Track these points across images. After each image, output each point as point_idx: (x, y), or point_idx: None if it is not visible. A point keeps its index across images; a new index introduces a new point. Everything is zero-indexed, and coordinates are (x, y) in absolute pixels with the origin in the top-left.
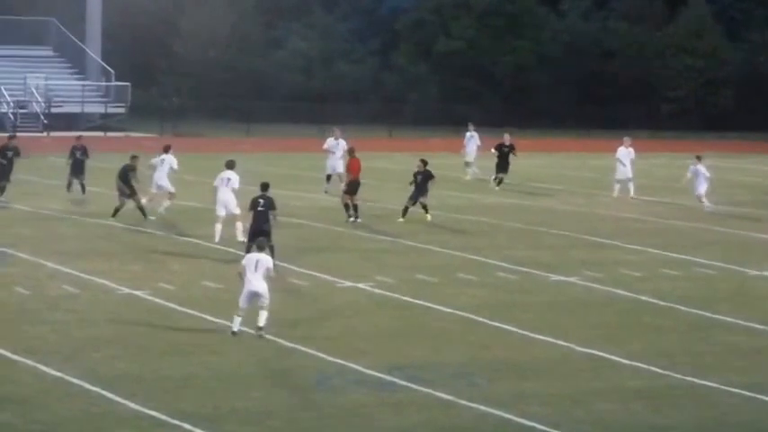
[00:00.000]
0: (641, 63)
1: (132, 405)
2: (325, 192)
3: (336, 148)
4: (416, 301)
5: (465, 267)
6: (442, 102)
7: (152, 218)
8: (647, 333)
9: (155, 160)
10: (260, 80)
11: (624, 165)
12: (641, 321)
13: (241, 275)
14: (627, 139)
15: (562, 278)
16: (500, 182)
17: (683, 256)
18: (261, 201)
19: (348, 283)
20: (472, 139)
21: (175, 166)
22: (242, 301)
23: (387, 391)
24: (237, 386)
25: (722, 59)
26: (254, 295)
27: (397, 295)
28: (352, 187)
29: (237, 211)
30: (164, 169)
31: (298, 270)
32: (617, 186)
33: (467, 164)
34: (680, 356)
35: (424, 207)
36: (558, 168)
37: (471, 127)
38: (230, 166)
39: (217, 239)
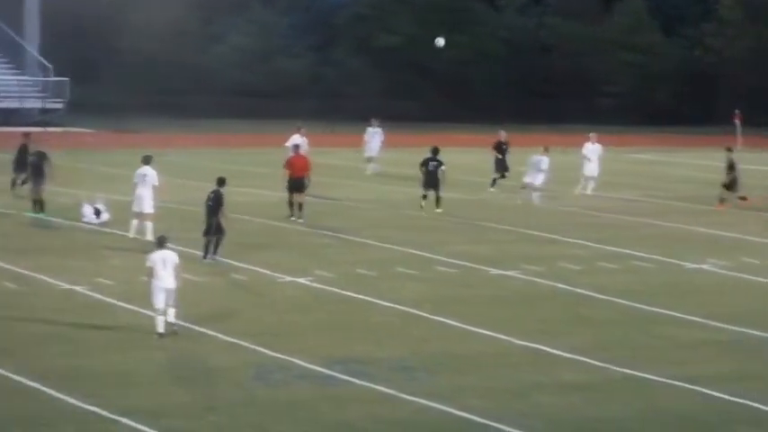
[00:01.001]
0: (579, 58)
1: (73, 401)
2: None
3: (303, 144)
4: (357, 296)
5: (405, 262)
6: (381, 97)
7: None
8: (586, 326)
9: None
10: (200, 75)
11: (590, 161)
12: (580, 315)
13: (150, 275)
14: (593, 135)
15: (502, 272)
16: (494, 182)
17: (623, 250)
18: (211, 195)
19: (288, 278)
20: (376, 135)
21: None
22: (156, 301)
23: (327, 385)
24: (179, 381)
25: (659, 55)
26: (166, 292)
27: (337, 290)
28: (296, 185)
29: (151, 210)
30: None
31: (239, 265)
32: (583, 183)
33: (369, 159)
34: (618, 349)
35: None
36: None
37: (375, 123)
38: (146, 161)
39: (131, 235)
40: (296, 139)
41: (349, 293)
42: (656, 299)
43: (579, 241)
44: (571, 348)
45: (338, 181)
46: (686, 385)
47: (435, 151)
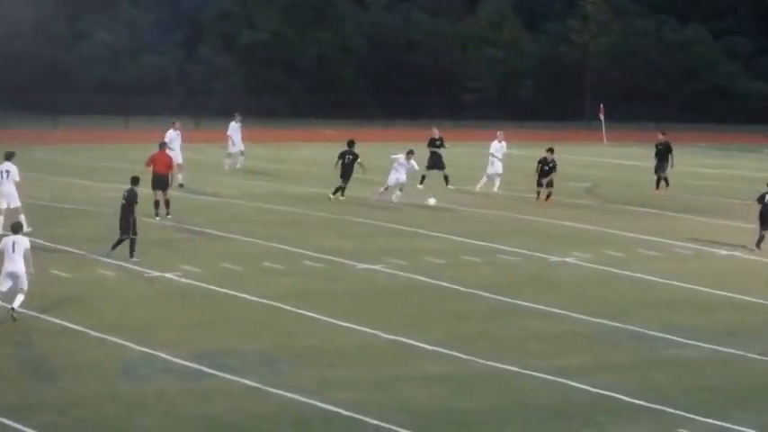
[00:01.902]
0: (443, 54)
1: None
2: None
3: (176, 140)
4: (222, 290)
5: (271, 256)
6: (247, 93)
7: None
8: (449, 319)
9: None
10: (66, 73)
11: (499, 159)
12: (444, 308)
13: None
14: (500, 134)
15: (367, 266)
16: (423, 179)
17: (486, 244)
18: (125, 194)
19: (155, 273)
20: (238, 130)
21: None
22: (2, 285)
23: (193, 379)
24: (44, 376)
25: (522, 50)
26: (13, 276)
27: (202, 284)
28: (160, 182)
29: (18, 203)
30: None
31: (105, 260)
32: (484, 180)
33: (229, 155)
34: (481, 341)
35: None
36: (363, 157)
37: (238, 117)
38: (8, 157)
39: (1, 231)
40: (171, 134)
41: (215, 288)
42: (520, 292)
43: (443, 235)
44: (435, 341)
45: (204, 176)
46: (549, 377)
47: (351, 144)
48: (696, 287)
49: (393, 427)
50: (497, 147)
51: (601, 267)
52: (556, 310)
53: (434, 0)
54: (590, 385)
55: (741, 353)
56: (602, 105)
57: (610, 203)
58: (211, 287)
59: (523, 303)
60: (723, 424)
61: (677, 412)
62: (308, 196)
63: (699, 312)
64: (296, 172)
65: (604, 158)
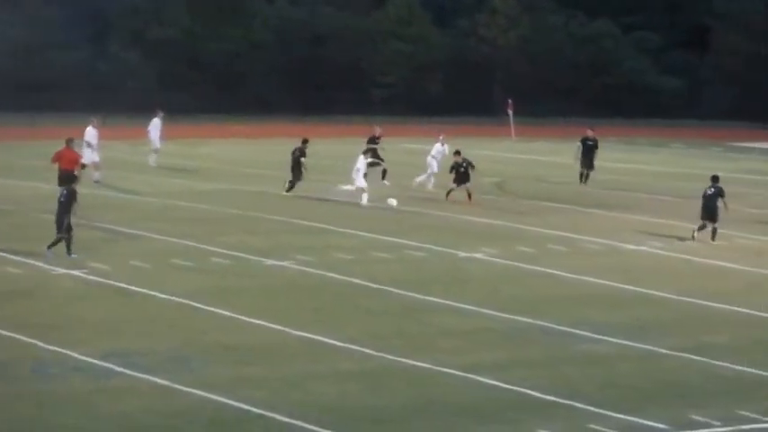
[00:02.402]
0: (352, 49)
1: None
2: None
3: (94, 138)
4: (132, 288)
5: (180, 253)
6: (156, 89)
7: None
8: (360, 316)
9: None
10: None
11: (436, 159)
12: (355, 304)
13: None
14: (442, 137)
15: (276, 262)
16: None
17: (396, 240)
18: (64, 192)
19: (62, 270)
20: (157, 126)
21: None
22: None
23: (103, 377)
24: None
25: (431, 45)
26: None
27: (112, 282)
28: (66, 179)
29: None
30: None
31: (12, 258)
32: (425, 178)
33: (155, 151)
34: (392, 338)
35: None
36: (270, 154)
37: (160, 113)
38: None
39: None
40: (90, 131)
41: (124, 285)
42: (430, 288)
43: (352, 231)
44: (347, 338)
45: (112, 173)
46: (461, 373)
47: (305, 141)
48: (606, 282)
49: (306, 425)
50: (439, 149)
51: (511, 263)
52: (467, 307)
53: None
54: (502, 381)
55: (652, 348)
56: (509, 101)
57: (519, 199)
58: (121, 285)
59: (434, 300)
60: (635, 419)
61: (589, 408)
62: (218, 193)
63: (609, 307)
64: (206, 168)
65: (513, 154)
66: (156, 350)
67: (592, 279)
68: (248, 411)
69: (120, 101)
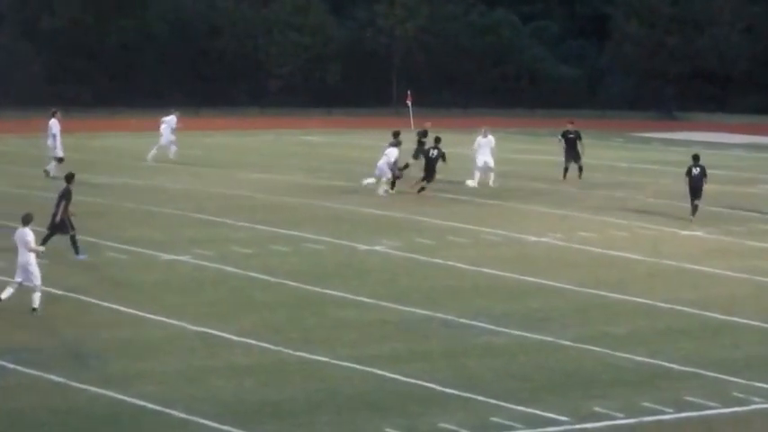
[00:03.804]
0: (248, 40)
1: None
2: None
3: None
4: (25, 283)
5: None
6: (48, 81)
7: None
8: (258, 309)
9: None
10: None
11: (489, 153)
12: (252, 298)
13: None
14: (485, 129)
15: (173, 257)
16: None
17: (293, 232)
18: (61, 190)
19: None
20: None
21: None
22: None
23: None
24: None
25: (328, 36)
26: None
27: (4, 278)
28: None
29: None
30: None
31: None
32: (477, 175)
33: (167, 146)
34: (290, 332)
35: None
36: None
37: (175, 111)
38: None
39: None
40: (52, 123)
41: (19, 281)
42: (329, 281)
43: (249, 224)
44: (243, 332)
45: (2, 167)
46: (360, 366)
47: (437, 140)
48: (506, 274)
49: (202, 420)
50: (483, 141)
51: (411, 255)
52: (366, 299)
53: None
54: (402, 374)
55: (552, 339)
56: (408, 92)
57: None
58: (17, 281)
59: (333, 292)
60: (535, 411)
61: (490, 400)
62: (115, 186)
63: (509, 299)
64: (100, 162)
65: (412, 145)
66: (51, 346)
67: (491, 271)
68: (144, 407)
69: (10, 93)
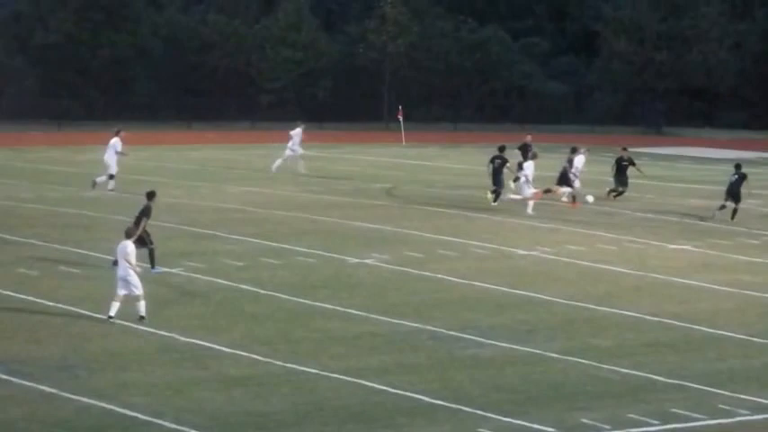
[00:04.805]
0: (240, 55)
1: None
2: None
3: None
4: (17, 295)
5: (66, 260)
6: (41, 95)
7: None
8: (247, 321)
9: None
10: None
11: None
12: (242, 310)
13: None
14: (584, 149)
15: (164, 269)
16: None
17: (283, 245)
18: (142, 208)
19: None
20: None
21: None
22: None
23: None
24: None
25: (320, 51)
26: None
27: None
28: None
29: None
30: None
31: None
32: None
33: (294, 157)
34: (279, 344)
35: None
36: (159, 160)
37: (301, 124)
38: None
39: None
40: (116, 142)
41: (9, 293)
42: (318, 293)
43: (239, 237)
44: (233, 343)
45: None
46: (348, 378)
47: (502, 149)
48: (494, 286)
49: (191, 431)
50: (581, 160)
51: (400, 268)
52: (355, 312)
53: (231, 1)
54: (390, 386)
55: (539, 351)
56: (400, 107)
57: (409, 204)
58: (5, 292)
59: (322, 305)
60: (522, 423)
61: (477, 412)
62: (104, 199)
63: (497, 311)
64: (91, 175)
65: (403, 159)
66: (40, 357)
67: (480, 283)
68: (134, 418)
69: (3, 107)
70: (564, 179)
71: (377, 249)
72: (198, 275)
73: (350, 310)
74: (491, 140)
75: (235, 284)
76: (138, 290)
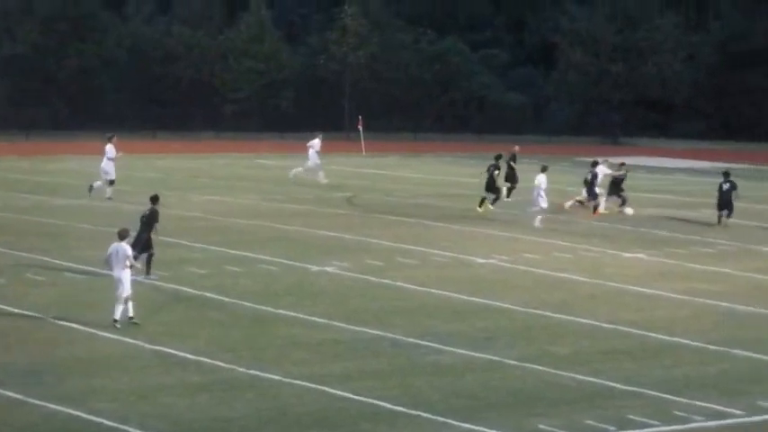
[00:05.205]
0: (204, 66)
1: None
2: None
3: None
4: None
5: (34, 268)
6: (8, 105)
7: None
8: (211, 328)
9: None
10: None
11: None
12: (207, 317)
13: None
14: (605, 161)
15: (158, 277)
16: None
17: (246, 254)
18: (146, 212)
19: None
20: (315, 146)
21: None
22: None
23: None
24: None
25: (281, 63)
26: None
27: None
28: None
29: None
30: None
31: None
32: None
33: (311, 169)
34: (243, 350)
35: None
36: (125, 169)
37: (319, 134)
38: None
39: None
40: (109, 149)
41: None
42: (281, 301)
43: (204, 245)
44: (198, 350)
45: None
46: (310, 384)
47: (498, 157)
48: (453, 294)
49: None
50: (602, 170)
51: (361, 276)
52: (317, 319)
53: (195, 13)
54: (352, 392)
55: (497, 358)
56: (360, 117)
57: (369, 213)
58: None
59: (285, 312)
60: (481, 428)
61: (437, 418)
62: (71, 208)
63: (456, 319)
64: (58, 184)
65: (364, 169)
66: (7, 363)
67: (439, 291)
68: (100, 424)
69: None
70: (591, 192)
71: (338, 257)
72: (162, 283)
73: (312, 318)
74: (450, 150)
75: (199, 292)
76: (127, 291)
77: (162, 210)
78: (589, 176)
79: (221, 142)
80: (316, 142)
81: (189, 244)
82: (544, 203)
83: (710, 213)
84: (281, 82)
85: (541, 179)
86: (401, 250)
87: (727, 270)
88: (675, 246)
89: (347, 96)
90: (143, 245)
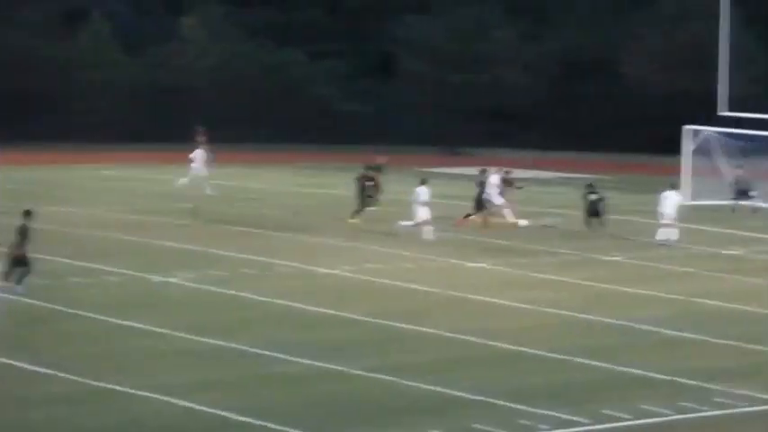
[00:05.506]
0: (43, 77)
1: None
2: None
3: None
4: None
5: None
6: None
7: None
8: (60, 341)
9: None
10: None
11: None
12: (54, 329)
13: None
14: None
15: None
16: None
17: (91, 265)
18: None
19: None
20: None
21: None
22: None
23: None
24: None
25: (122, 73)
26: None
27: None
28: None
29: None
30: None
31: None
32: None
33: None
34: (92, 362)
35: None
36: None
37: None
38: None
39: None
40: None
41: None
42: (126, 312)
43: (47, 257)
44: (46, 363)
45: None
46: (157, 396)
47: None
48: (298, 305)
49: None
50: (495, 179)
51: (205, 287)
52: (162, 330)
53: (32, 22)
54: (199, 403)
55: (344, 368)
56: (199, 128)
57: (213, 224)
58: None
59: (130, 323)
60: None
61: (285, 428)
62: None
63: (302, 329)
64: None
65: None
66: None
67: (283, 302)
68: None
69: None
70: (479, 204)
71: (182, 268)
72: (7, 295)
73: (157, 329)
74: (293, 161)
75: (46, 304)
76: None
77: (7, 221)
78: (478, 189)
79: (67, 154)
80: (198, 153)
81: (35, 255)
82: (425, 215)
83: (553, 221)
84: (122, 93)
85: (422, 191)
86: (245, 261)
87: (569, 279)
88: (519, 255)
89: (188, 108)
90: (20, 261)
